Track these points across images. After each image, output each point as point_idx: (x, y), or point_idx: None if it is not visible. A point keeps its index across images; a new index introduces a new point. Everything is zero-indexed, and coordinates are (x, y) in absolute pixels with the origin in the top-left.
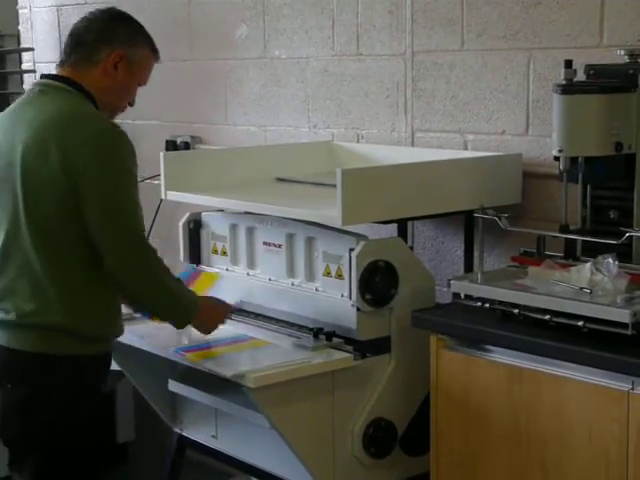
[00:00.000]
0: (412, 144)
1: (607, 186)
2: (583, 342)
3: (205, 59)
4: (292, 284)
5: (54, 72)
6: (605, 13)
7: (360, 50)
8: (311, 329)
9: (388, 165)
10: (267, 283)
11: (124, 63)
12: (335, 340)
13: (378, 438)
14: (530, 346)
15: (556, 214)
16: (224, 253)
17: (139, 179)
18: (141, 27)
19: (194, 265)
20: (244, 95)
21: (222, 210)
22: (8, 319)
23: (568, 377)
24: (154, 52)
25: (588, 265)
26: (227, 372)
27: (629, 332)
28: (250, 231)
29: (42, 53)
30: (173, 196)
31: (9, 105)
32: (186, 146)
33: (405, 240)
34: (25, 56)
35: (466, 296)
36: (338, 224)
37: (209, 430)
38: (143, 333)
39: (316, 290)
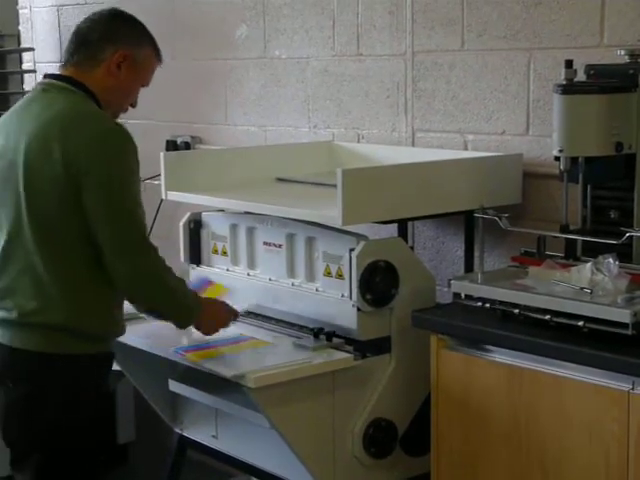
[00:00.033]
0: (412, 144)
1: (607, 186)
2: (583, 342)
3: (205, 59)
4: (292, 284)
5: (57, 72)
6: (605, 13)
7: (360, 50)
8: (311, 329)
9: (388, 165)
10: (267, 283)
11: (128, 63)
12: (335, 340)
13: (378, 438)
14: (530, 346)
15: (556, 214)
16: (224, 253)
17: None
18: (144, 28)
19: (206, 277)
20: (244, 95)
21: (222, 210)
22: (10, 318)
23: (568, 377)
24: (157, 53)
25: (588, 265)
26: (227, 372)
27: (629, 332)
28: (250, 231)
29: (42, 53)
30: (173, 196)
31: (9, 105)
32: (186, 146)
33: (405, 240)
34: (25, 56)
35: (466, 296)
36: (338, 224)
37: (209, 430)
38: (143, 333)
39: (316, 290)
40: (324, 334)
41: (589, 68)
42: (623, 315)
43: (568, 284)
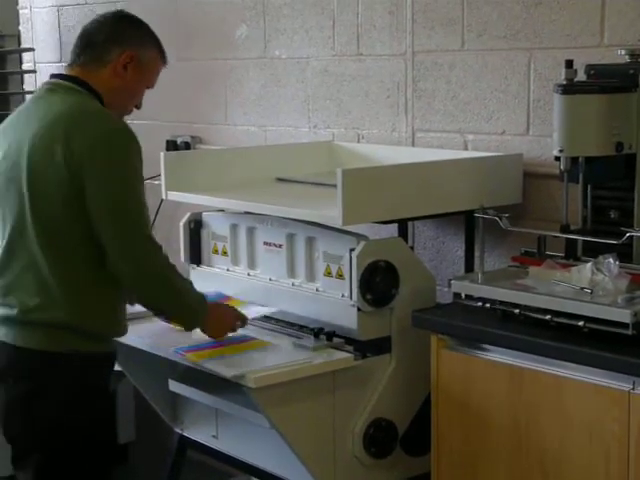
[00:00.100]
0: (412, 144)
1: (608, 186)
2: (584, 342)
3: (205, 59)
4: (293, 284)
5: (64, 72)
6: (606, 13)
7: (360, 50)
8: (312, 329)
9: (388, 165)
10: (267, 283)
11: (134, 64)
12: (336, 340)
13: (379, 438)
14: (531, 346)
15: (557, 214)
16: (224, 253)
17: None
18: (150, 30)
19: (221, 293)
20: (244, 95)
21: (222, 210)
22: (12, 315)
23: (569, 377)
24: (162, 55)
25: (589, 265)
26: (228, 372)
27: (630, 332)
28: (250, 231)
29: (42, 53)
30: (173, 196)
31: (9, 105)
32: (186, 146)
33: (405, 240)
34: (25, 56)
35: (467, 296)
36: (338, 224)
37: (210, 430)
38: (143, 333)
39: (317, 290)
40: (324, 334)
41: (589, 68)
42: (623, 315)
43: (568, 284)
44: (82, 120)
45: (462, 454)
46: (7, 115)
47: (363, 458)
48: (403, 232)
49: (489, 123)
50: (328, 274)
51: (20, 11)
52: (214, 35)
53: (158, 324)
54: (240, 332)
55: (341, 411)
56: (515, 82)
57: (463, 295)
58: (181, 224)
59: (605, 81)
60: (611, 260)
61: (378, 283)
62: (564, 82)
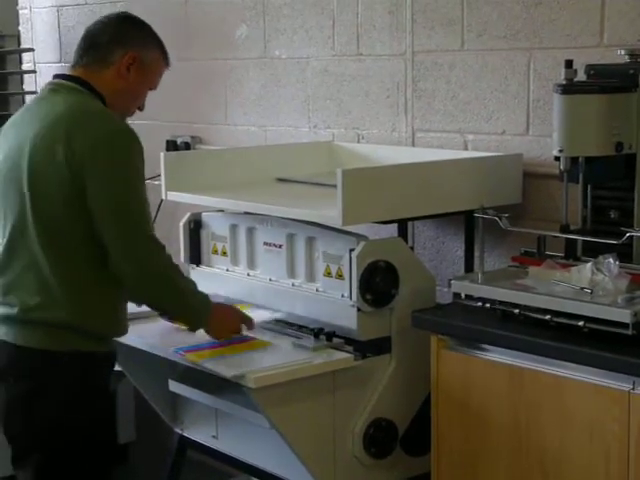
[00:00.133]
0: (412, 144)
1: (607, 186)
2: (584, 342)
3: (205, 59)
4: (292, 284)
5: (67, 72)
6: (605, 13)
7: (360, 50)
8: (311, 329)
9: (388, 165)
10: (267, 283)
11: (137, 65)
12: (335, 340)
13: (379, 438)
14: (531, 346)
15: (556, 214)
16: (224, 253)
17: None
18: (153, 31)
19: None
20: (244, 95)
21: (222, 210)
22: (13, 314)
23: (569, 377)
24: (165, 56)
25: (589, 265)
26: (227, 372)
27: (630, 332)
28: (250, 231)
29: (42, 53)
30: (173, 196)
31: (9, 105)
32: (186, 146)
33: (405, 240)
34: (25, 57)
35: (466, 296)
36: (338, 224)
37: (209, 430)
38: (143, 333)
39: (316, 290)
40: (324, 334)
41: (589, 68)
42: (623, 315)
43: (568, 284)
44: (84, 120)
45: (462, 454)
46: (7, 115)
47: (363, 458)
48: (403, 232)
49: (489, 123)
50: (328, 274)
51: (20, 11)
52: (214, 35)
53: (158, 324)
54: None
55: (341, 411)
56: (515, 82)
57: (463, 295)
58: (181, 224)
59: (605, 81)
60: (611, 260)
61: (378, 283)
62: (564, 82)
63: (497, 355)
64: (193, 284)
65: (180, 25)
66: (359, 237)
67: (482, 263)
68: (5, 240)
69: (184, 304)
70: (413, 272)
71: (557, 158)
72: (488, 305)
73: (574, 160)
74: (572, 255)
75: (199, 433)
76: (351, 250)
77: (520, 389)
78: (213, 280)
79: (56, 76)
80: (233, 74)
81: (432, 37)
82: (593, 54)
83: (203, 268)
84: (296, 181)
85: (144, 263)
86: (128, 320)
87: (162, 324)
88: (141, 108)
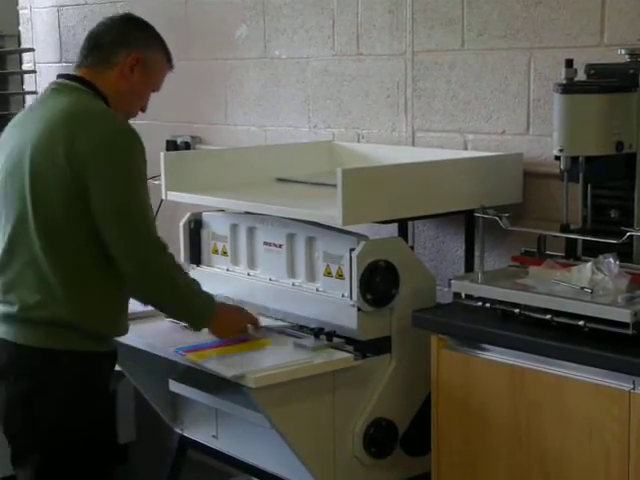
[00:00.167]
0: (412, 144)
1: (608, 186)
2: (584, 342)
3: (205, 59)
4: (293, 284)
5: (71, 72)
6: (606, 12)
7: (360, 50)
8: (312, 329)
9: (388, 165)
10: (268, 283)
11: (140, 66)
12: (336, 340)
13: (379, 438)
14: (531, 346)
15: (557, 214)
16: (224, 253)
17: None
18: (156, 33)
19: None
20: (244, 95)
21: (222, 210)
22: (13, 312)
23: (569, 377)
24: (168, 58)
25: (589, 265)
26: (228, 372)
27: (630, 332)
28: (251, 231)
29: (42, 53)
30: (173, 196)
31: (9, 105)
32: (186, 146)
33: (406, 240)
34: (25, 57)
35: (467, 296)
36: (338, 224)
37: (210, 430)
38: (143, 333)
39: (317, 290)
40: (324, 334)
41: (589, 67)
42: (624, 315)
43: (568, 284)
44: (86, 120)
45: (462, 454)
46: (7, 115)
47: (363, 458)
48: (403, 232)
49: (489, 123)
50: (328, 274)
51: (20, 11)
52: (214, 35)
53: (158, 324)
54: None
55: (341, 411)
56: (515, 82)
57: (463, 295)
58: (181, 224)
59: (605, 81)
60: (611, 260)
61: (378, 283)
62: (564, 82)
63: (497, 355)
64: (197, 284)
65: (180, 25)
66: (359, 237)
67: (482, 263)
68: (6, 239)
69: (187, 304)
70: (413, 272)
71: (557, 158)
72: (488, 305)
73: (574, 160)
74: (572, 255)
75: (199, 433)
76: (351, 250)
77: (520, 389)
78: (213, 280)
79: (60, 76)
80: (233, 74)
81: (432, 37)
82: (593, 54)
83: (203, 268)
84: (296, 181)
85: (146, 263)
86: (129, 320)
87: (162, 324)
88: (144, 109)
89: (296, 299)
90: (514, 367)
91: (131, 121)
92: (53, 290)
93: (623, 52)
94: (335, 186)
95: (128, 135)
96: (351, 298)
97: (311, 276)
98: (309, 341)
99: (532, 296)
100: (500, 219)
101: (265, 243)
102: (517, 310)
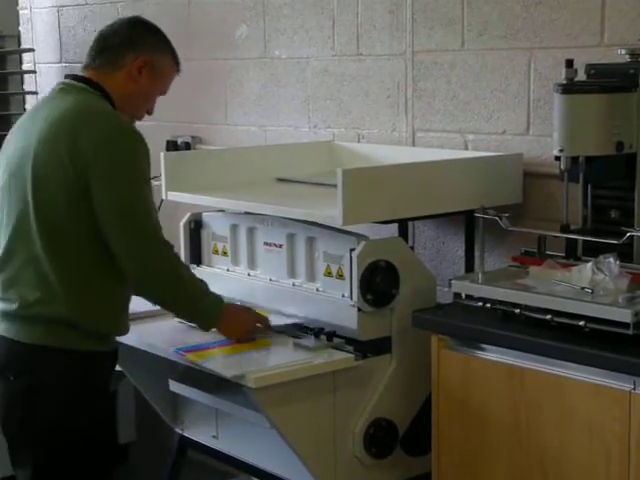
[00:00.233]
0: (413, 144)
1: (608, 186)
2: (584, 342)
3: (205, 59)
4: (293, 284)
5: (79, 73)
6: (606, 12)
7: (360, 50)
8: (312, 329)
9: (389, 165)
10: (268, 283)
11: (148, 69)
12: (336, 340)
13: (379, 438)
14: (531, 346)
15: (557, 214)
16: (225, 253)
17: None
18: (165, 36)
19: None
20: (244, 95)
21: (223, 210)
22: (13, 309)
23: (569, 377)
24: (176, 62)
25: (589, 265)
26: (228, 372)
27: (630, 332)
28: (251, 231)
29: (42, 54)
30: (174, 196)
31: (9, 106)
32: (187, 146)
33: (406, 240)
34: (26, 57)
35: (467, 296)
36: (339, 224)
37: (210, 430)
38: (143, 333)
39: (317, 290)
40: (324, 334)
41: (589, 67)
42: (624, 315)
43: (569, 284)
44: (90, 120)
45: (463, 454)
46: (7, 115)
47: (363, 458)
48: (403, 232)
49: (489, 123)
50: (328, 274)
51: (20, 11)
52: (214, 35)
53: (158, 324)
54: None
55: (341, 411)
56: (515, 82)
57: (463, 295)
58: (181, 224)
59: (605, 81)
60: (612, 260)
61: (378, 283)
62: (564, 82)
63: (497, 355)
64: (204, 284)
65: (180, 25)
66: (359, 237)
67: (482, 263)
68: (7, 237)
69: (194, 304)
70: (413, 272)
71: (557, 158)
72: (489, 305)
73: (574, 160)
74: (573, 255)
75: (199, 433)
76: (351, 250)
77: (520, 389)
78: (213, 280)
79: (67, 76)
80: (233, 74)
81: (432, 37)
82: (593, 54)
83: (204, 268)
84: (296, 181)
85: (149, 261)
86: (129, 320)
87: (163, 324)
88: (150, 112)
89: (296, 299)
90: (514, 367)
91: None
92: (53, 288)
93: (623, 52)
94: (335, 186)
95: (132, 135)
96: (351, 298)
97: (311, 276)
98: (309, 341)
99: (532, 296)
100: (500, 219)
101: (265, 243)
102: (517, 310)
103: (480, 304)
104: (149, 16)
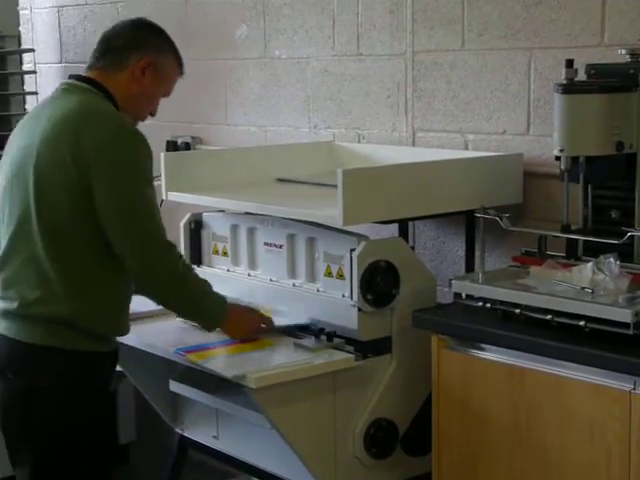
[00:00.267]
0: (413, 144)
1: (608, 186)
2: (585, 342)
3: (205, 59)
4: (293, 285)
5: (82, 74)
6: (606, 12)
7: (360, 50)
8: (312, 329)
9: (389, 165)
10: (268, 284)
11: (151, 70)
12: (336, 340)
13: (379, 438)
14: (531, 346)
15: (557, 214)
16: (225, 254)
17: None
18: (169, 38)
19: None
20: (244, 95)
21: (223, 211)
22: (13, 309)
23: (570, 377)
24: (179, 63)
25: (590, 265)
26: (228, 372)
27: (631, 332)
28: (251, 232)
29: (43, 54)
30: (174, 197)
31: (9, 106)
32: (187, 146)
33: (406, 240)
34: (26, 57)
35: (467, 296)
36: (339, 224)
37: (210, 430)
38: (143, 333)
39: (317, 290)
40: (325, 334)
41: (590, 67)
42: (624, 315)
43: (569, 284)
44: (93, 120)
45: (463, 454)
46: (7, 115)
47: (364, 458)
48: (403, 232)
49: (489, 123)
50: (329, 274)
51: (20, 12)
52: (214, 35)
53: (158, 324)
54: None
55: (342, 411)
56: (515, 82)
57: (464, 295)
58: (181, 224)
59: (605, 81)
60: (612, 260)
61: (379, 283)
62: (564, 82)
63: (498, 355)
64: (208, 285)
65: (180, 25)
66: (360, 237)
67: (483, 263)
68: (8, 236)
69: (197, 304)
70: (414, 272)
71: (558, 158)
72: (489, 305)
73: (575, 160)
74: (573, 255)
75: (200, 433)
76: (352, 250)
77: (521, 389)
78: (214, 280)
79: (70, 76)
80: (233, 74)
81: (432, 37)
82: (594, 54)
83: (204, 268)
84: (296, 181)
85: (151, 261)
86: (130, 320)
87: (163, 324)
88: (153, 114)
89: (296, 300)
90: (514, 367)
91: None
92: (53, 287)
93: (623, 52)
94: (335, 186)
95: (134, 136)
96: (352, 298)
97: (311, 276)
98: (309, 341)
99: (533, 296)
100: (500, 219)
101: (265, 243)
102: (518, 310)
103: (480, 304)
104: (149, 16)
